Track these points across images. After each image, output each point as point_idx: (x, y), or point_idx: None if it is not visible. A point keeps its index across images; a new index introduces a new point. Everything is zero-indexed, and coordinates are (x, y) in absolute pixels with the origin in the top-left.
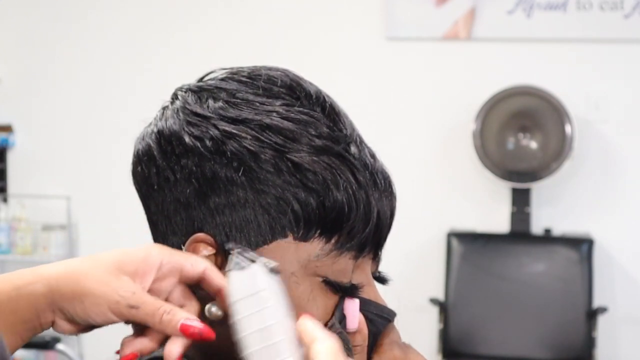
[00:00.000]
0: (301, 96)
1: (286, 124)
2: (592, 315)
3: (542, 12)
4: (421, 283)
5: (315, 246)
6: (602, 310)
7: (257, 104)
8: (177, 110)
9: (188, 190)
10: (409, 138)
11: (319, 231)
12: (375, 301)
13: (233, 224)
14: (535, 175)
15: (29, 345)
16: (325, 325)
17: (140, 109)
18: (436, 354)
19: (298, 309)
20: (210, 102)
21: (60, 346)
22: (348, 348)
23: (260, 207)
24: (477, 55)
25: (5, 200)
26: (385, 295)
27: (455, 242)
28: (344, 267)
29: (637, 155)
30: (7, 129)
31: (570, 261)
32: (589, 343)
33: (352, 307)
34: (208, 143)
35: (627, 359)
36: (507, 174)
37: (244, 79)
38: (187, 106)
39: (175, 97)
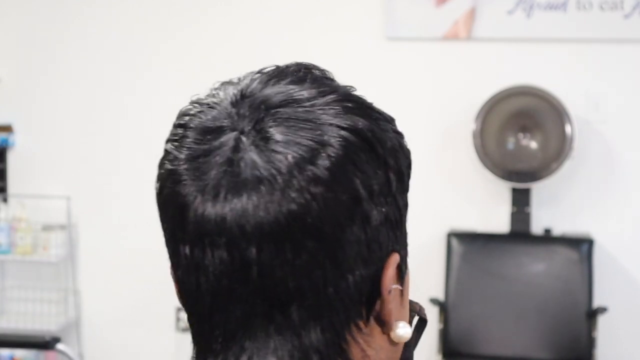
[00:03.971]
0: None
1: (388, 115)
2: (592, 315)
3: (542, 12)
4: (421, 283)
5: None
6: (602, 310)
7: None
8: (363, 107)
9: (399, 201)
10: (409, 138)
11: None
12: None
13: (405, 234)
14: (535, 175)
15: (28, 345)
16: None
17: (140, 109)
18: (436, 354)
19: (404, 307)
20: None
21: (60, 346)
22: None
23: (406, 207)
24: (477, 55)
25: (5, 200)
26: None
27: (455, 242)
28: None
29: (637, 155)
30: (7, 129)
31: (570, 261)
32: (589, 343)
33: None
34: (397, 142)
35: (627, 359)
36: (507, 174)
37: (318, 75)
38: (365, 104)
39: (338, 94)
